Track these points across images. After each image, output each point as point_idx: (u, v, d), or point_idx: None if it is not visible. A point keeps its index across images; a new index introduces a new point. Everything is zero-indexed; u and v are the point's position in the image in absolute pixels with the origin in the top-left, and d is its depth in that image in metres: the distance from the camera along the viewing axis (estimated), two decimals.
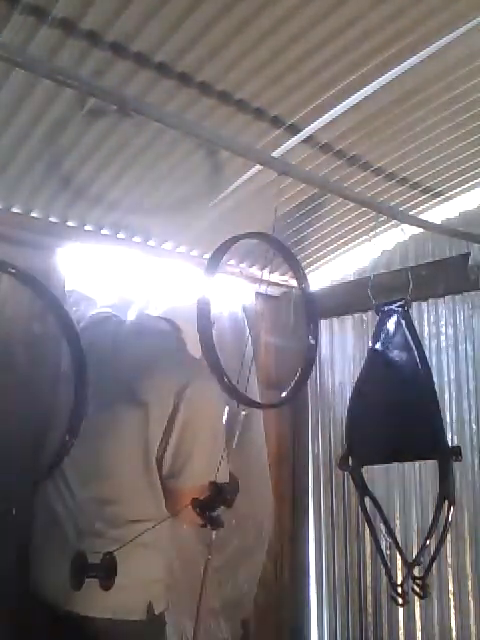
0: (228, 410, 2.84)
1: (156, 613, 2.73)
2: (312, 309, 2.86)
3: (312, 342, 2.80)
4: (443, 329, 4.03)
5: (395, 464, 3.97)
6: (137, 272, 3.89)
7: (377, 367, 3.22)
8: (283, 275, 4.49)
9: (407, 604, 3.06)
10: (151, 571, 2.77)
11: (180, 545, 3.26)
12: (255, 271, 4.32)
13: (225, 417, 2.85)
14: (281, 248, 2.86)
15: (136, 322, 3.21)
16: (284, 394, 2.78)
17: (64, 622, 2.60)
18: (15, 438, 2.97)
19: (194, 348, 2.86)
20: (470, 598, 3.72)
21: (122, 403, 2.84)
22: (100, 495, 2.76)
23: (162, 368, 2.88)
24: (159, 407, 2.79)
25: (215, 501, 2.65)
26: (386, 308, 3.24)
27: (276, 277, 4.43)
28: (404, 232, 3.62)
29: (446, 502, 2.99)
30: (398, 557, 3.47)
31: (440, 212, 4.08)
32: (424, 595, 2.95)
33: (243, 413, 2.64)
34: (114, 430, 2.82)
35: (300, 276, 2.89)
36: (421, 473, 3.98)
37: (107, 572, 2.71)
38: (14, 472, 2.70)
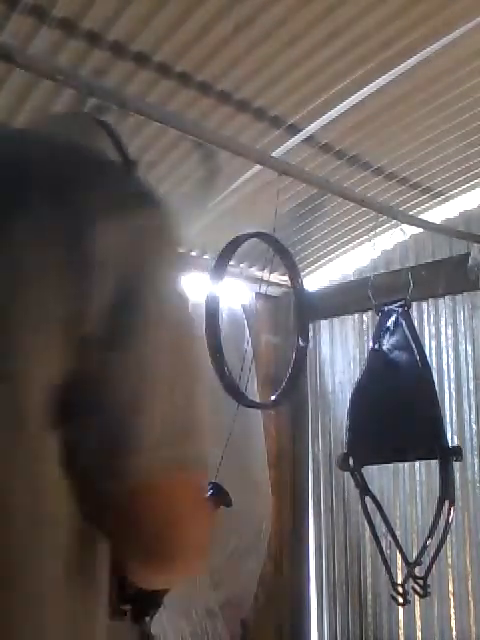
0: None
1: None
2: (303, 310, 2.85)
3: (302, 344, 2.79)
4: (443, 329, 4.02)
5: (395, 464, 3.97)
6: None
7: (377, 367, 3.23)
8: (283, 275, 4.48)
9: (407, 604, 3.07)
10: None
11: None
12: (255, 271, 4.32)
13: None
14: (280, 249, 2.87)
15: None
16: (273, 397, 2.77)
17: None
18: None
19: None
20: (470, 598, 3.71)
21: None
22: None
23: None
24: None
25: (215, 501, 2.65)
26: (386, 308, 3.25)
27: (276, 277, 4.42)
28: (404, 232, 3.62)
29: (446, 502, 3.00)
30: (398, 557, 3.47)
31: (440, 212, 4.07)
32: (424, 595, 2.96)
33: None
34: None
35: (295, 277, 2.89)
36: (421, 473, 3.98)
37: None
38: None
